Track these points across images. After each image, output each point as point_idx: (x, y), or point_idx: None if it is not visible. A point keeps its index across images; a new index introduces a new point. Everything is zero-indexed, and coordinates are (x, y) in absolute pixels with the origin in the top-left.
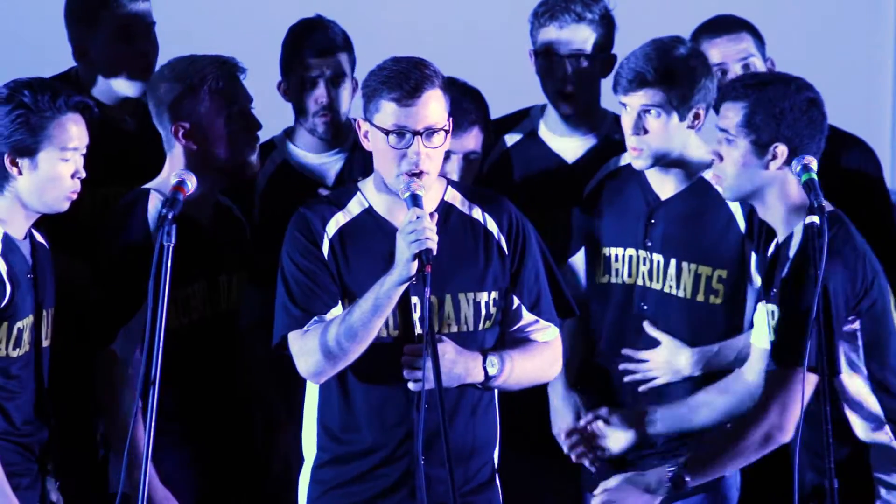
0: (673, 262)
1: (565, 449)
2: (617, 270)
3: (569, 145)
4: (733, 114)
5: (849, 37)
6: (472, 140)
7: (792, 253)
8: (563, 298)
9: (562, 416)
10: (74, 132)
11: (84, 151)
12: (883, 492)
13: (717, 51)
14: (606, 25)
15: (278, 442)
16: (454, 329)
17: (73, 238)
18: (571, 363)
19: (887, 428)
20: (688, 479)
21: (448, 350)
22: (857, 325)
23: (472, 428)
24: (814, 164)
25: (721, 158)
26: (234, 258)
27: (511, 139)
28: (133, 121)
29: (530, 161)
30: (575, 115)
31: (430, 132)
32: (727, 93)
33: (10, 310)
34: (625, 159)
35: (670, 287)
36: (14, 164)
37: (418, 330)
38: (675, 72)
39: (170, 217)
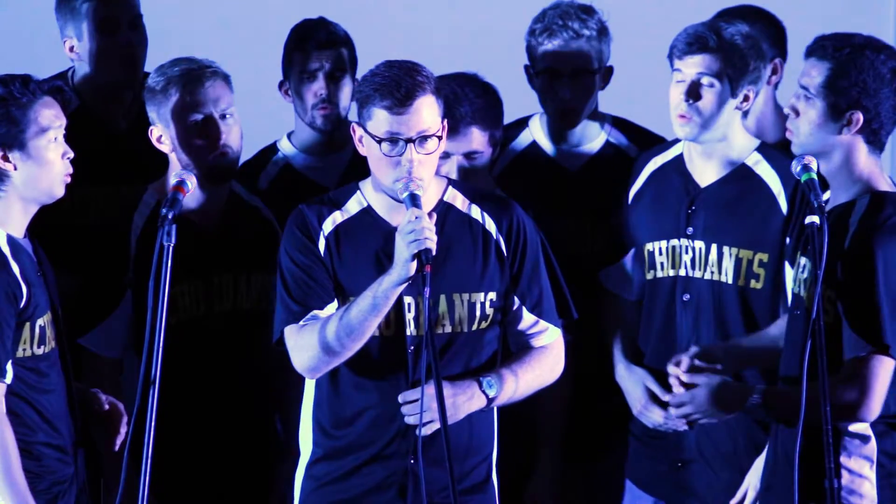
0: (714, 247)
1: (651, 423)
2: (662, 264)
3: (570, 155)
4: (816, 73)
5: None
6: (470, 140)
7: (853, 220)
8: (564, 301)
9: (634, 396)
10: (53, 113)
11: (64, 132)
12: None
13: None
14: (604, 38)
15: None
16: (448, 329)
17: (55, 240)
18: (625, 341)
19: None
20: (759, 401)
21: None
22: None
23: (468, 427)
24: (814, 164)
25: (797, 114)
26: (259, 257)
27: (512, 151)
28: (125, 122)
29: (533, 171)
30: (576, 128)
31: (422, 138)
32: (814, 49)
33: (29, 309)
34: (663, 157)
35: (712, 273)
36: (6, 159)
37: (409, 330)
38: (734, 43)
39: (170, 217)
